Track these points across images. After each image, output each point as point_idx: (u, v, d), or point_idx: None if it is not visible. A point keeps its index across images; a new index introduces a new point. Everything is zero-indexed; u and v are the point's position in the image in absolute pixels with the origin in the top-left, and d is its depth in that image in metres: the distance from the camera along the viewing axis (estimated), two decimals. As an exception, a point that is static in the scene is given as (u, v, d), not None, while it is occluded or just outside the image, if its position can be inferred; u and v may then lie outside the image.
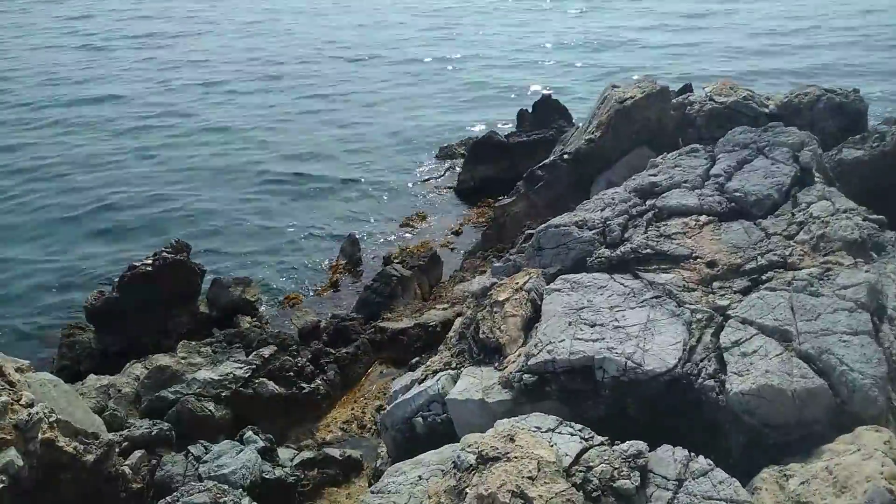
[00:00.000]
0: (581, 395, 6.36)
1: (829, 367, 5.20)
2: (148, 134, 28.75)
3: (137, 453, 9.10)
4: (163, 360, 11.87)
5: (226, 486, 7.26)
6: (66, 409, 8.04)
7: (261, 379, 11.21)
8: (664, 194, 8.17)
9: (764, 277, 6.52)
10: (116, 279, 15.16)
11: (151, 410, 10.46)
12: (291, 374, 11.48)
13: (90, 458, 7.71)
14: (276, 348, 11.87)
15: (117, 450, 8.70)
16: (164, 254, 15.32)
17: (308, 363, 11.83)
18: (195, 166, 25.34)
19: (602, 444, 5.19)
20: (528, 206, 15.97)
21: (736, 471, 5.38)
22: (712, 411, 5.55)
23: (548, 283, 7.62)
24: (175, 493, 6.94)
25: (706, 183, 8.16)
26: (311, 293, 16.43)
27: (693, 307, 6.33)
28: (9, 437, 6.60)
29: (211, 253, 18.61)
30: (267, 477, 8.92)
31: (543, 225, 8.13)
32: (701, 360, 5.81)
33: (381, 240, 19.05)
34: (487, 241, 16.06)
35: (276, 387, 11.19)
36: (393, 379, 12.01)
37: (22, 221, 21.36)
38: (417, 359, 11.92)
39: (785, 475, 4.74)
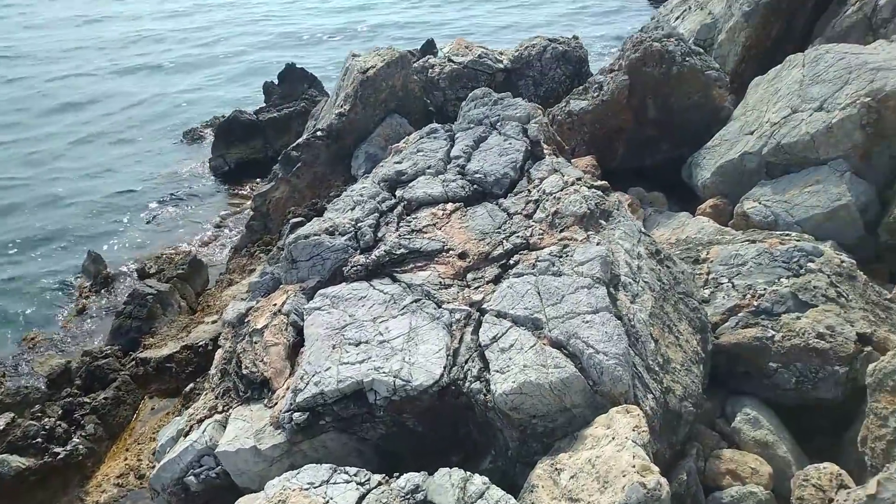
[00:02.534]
0: (357, 418, 6.09)
1: (578, 351, 5.42)
2: None
3: None
4: None
5: None
6: None
7: (-1, 456, 9.44)
8: (411, 184, 7.98)
9: (511, 262, 6.64)
10: None
11: None
12: (39, 440, 9.81)
13: None
14: (12, 415, 10.04)
15: None
16: None
17: (59, 422, 10.19)
18: None
19: (380, 484, 4.96)
20: (289, 190, 15.13)
21: (517, 463, 5.54)
22: (483, 412, 5.59)
23: (308, 300, 7.14)
24: None
25: (448, 167, 8.11)
26: (54, 328, 14.21)
27: (451, 307, 6.28)
28: None
29: None
30: (27, 577, 7.58)
31: (293, 236, 7.55)
32: (465, 363, 5.79)
33: (133, 247, 16.99)
34: (253, 234, 14.99)
35: (22, 460, 9.51)
36: (167, 413, 10.88)
37: None
38: (192, 385, 10.87)
39: (556, 469, 4.87)
